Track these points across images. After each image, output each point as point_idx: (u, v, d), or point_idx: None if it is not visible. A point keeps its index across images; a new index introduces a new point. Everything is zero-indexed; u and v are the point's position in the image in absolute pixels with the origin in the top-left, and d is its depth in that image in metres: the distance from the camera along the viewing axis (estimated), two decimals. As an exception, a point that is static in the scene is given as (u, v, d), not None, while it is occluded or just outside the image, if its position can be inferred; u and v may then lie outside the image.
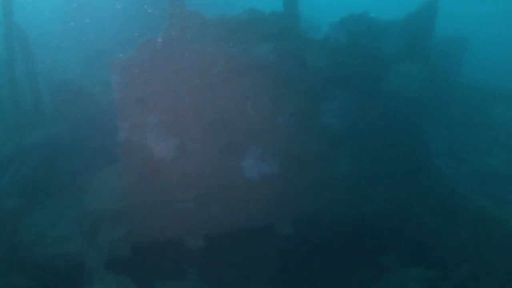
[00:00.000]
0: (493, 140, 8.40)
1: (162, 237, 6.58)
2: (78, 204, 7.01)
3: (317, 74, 6.45)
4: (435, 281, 6.52)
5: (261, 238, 7.05)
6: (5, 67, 7.60)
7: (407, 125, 7.14)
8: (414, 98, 7.03)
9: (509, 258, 5.77)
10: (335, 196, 7.11)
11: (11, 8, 7.46)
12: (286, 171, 6.75)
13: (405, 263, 6.91)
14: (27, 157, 7.46)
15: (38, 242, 6.48)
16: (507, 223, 5.89)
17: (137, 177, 6.25)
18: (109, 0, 10.72)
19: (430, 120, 8.45)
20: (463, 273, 6.35)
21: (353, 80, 6.67)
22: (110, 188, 6.94)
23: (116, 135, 6.07)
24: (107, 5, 10.84)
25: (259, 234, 6.98)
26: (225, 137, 6.36)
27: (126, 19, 10.22)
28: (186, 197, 6.54)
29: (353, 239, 7.15)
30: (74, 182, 7.52)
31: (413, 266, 6.74)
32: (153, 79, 5.79)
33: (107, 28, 10.24)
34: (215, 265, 6.82)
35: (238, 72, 6.07)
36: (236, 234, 6.85)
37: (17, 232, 6.52)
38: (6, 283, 5.94)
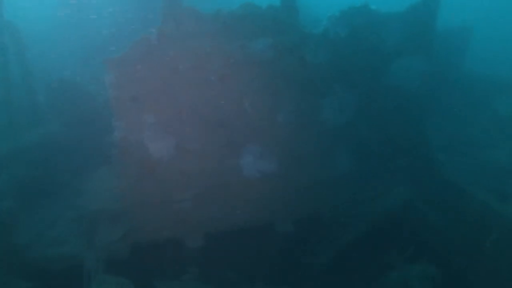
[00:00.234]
0: (496, 132, 8.26)
1: (160, 237, 6.50)
2: (75, 205, 6.92)
3: (316, 70, 6.30)
4: (437, 278, 6.45)
5: (261, 237, 6.97)
6: (-1, 66, 7.47)
7: (408, 120, 7.01)
8: (416, 92, 6.89)
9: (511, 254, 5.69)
10: (336, 194, 7.01)
11: (2, 5, 7.29)
12: (285, 169, 6.63)
13: (407, 259, 6.83)
14: (23, 157, 7.35)
15: (36, 244, 6.41)
16: (509, 219, 5.78)
17: (135, 177, 6.15)
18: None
19: (432, 113, 8.32)
20: (465, 270, 6.27)
21: (353, 74, 6.52)
22: (108, 188, 6.83)
23: (112, 134, 5.95)
24: (104, 2, 10.64)
25: (259, 233, 6.90)
26: (223, 135, 6.23)
27: (124, 15, 10.02)
28: (184, 197, 6.43)
29: (353, 237, 7.07)
30: (71, 182, 7.43)
31: (415, 262, 6.66)
32: (148, 77, 5.64)
33: (104, 25, 10.05)
34: (215, 265, 6.75)
35: (235, 68, 5.92)
36: (235, 233, 6.76)
37: (14, 234, 6.44)
38: (4, 285, 5.88)
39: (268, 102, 6.26)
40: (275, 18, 5.90)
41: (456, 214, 6.53)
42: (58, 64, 9.43)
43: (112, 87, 5.52)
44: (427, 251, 6.83)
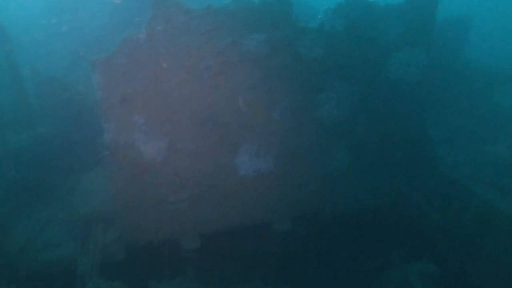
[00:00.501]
0: (498, 126, 8.09)
1: (156, 239, 6.38)
2: (68, 207, 6.78)
3: (312, 65, 6.09)
4: (438, 276, 6.35)
5: (259, 236, 6.86)
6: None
7: (408, 115, 6.82)
8: (415, 86, 6.68)
9: None
10: (334, 191, 6.87)
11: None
12: (282, 167, 6.47)
13: (407, 258, 6.73)
14: (14, 159, 7.18)
15: (27, 248, 6.28)
16: (511, 216, 5.65)
17: (127, 179, 5.99)
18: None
19: (431, 106, 8.14)
20: (466, 267, 6.17)
21: (351, 69, 6.31)
22: (102, 190, 6.69)
23: (102, 136, 5.78)
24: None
25: (257, 232, 6.79)
26: (217, 134, 6.06)
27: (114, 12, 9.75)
28: (179, 198, 6.28)
29: (353, 234, 6.97)
30: (63, 184, 7.27)
31: (415, 261, 6.56)
32: (137, 77, 5.44)
33: (94, 23, 9.79)
34: (213, 267, 6.65)
35: (228, 66, 5.72)
36: (232, 234, 6.65)
37: (5, 238, 6.31)
38: (-5, 292, 5.78)
39: (262, 99, 6.07)
40: (269, 13, 5.67)
41: (457, 211, 6.40)
42: (48, 62, 9.19)
43: (99, 88, 5.32)
44: (427, 248, 6.73)
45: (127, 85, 5.46)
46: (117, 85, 5.43)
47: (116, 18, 9.88)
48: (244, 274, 6.97)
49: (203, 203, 6.41)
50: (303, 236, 6.96)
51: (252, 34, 5.69)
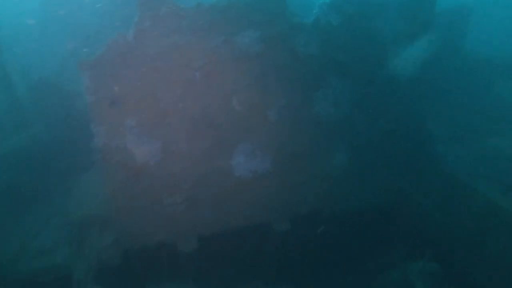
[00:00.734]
0: (500, 119, 7.92)
1: (152, 243, 6.27)
2: (62, 211, 6.66)
3: (308, 62, 5.91)
4: (438, 275, 6.26)
5: (257, 237, 6.75)
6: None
7: (407, 111, 6.64)
8: (415, 82, 6.49)
9: None
10: (333, 190, 6.73)
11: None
12: (279, 167, 6.33)
13: (407, 256, 6.62)
14: (7, 162, 7.04)
15: (21, 256, 6.17)
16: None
17: (121, 183, 5.86)
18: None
19: (431, 100, 7.95)
20: (468, 266, 6.06)
21: (348, 65, 6.12)
22: (96, 193, 6.57)
23: (94, 139, 5.63)
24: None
25: (255, 233, 6.67)
26: (211, 135, 5.90)
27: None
28: (174, 200, 6.16)
29: (354, 234, 6.85)
30: (57, 187, 7.14)
31: (416, 259, 6.46)
32: (127, 78, 5.27)
33: (86, 21, 9.54)
34: (211, 269, 6.55)
35: (221, 65, 5.54)
36: (230, 236, 6.54)
37: (-1, 245, 6.22)
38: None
39: (258, 99, 5.90)
40: (262, 8, 5.47)
41: (458, 209, 6.27)
42: (39, 62, 8.99)
43: (88, 91, 5.16)
44: (428, 247, 6.62)
45: (117, 88, 5.29)
46: (106, 88, 5.26)
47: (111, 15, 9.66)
48: (243, 275, 6.88)
49: (200, 205, 6.28)
50: (303, 236, 6.84)
51: (245, 31, 5.50)
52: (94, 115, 5.33)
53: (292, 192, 6.58)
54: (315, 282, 6.96)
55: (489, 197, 5.90)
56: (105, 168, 5.74)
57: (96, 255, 6.11)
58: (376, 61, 6.21)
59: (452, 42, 8.74)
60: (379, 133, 6.61)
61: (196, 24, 5.28)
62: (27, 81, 7.93)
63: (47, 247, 6.30)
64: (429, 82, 6.75)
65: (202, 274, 6.63)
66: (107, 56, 5.11)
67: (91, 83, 5.17)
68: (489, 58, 8.71)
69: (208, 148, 5.97)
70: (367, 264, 6.83)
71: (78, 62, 5.02)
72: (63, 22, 10.10)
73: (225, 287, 6.82)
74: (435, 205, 6.57)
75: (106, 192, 5.94)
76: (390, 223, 6.89)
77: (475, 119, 8.02)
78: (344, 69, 6.12)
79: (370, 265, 6.81)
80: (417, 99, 6.67)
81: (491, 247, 5.78)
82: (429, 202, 6.65)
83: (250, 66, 5.67)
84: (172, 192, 6.13)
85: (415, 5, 6.01)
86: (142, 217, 6.16)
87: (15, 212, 6.74)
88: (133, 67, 5.26)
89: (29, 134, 7.49)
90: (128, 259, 6.19)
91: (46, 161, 7.37)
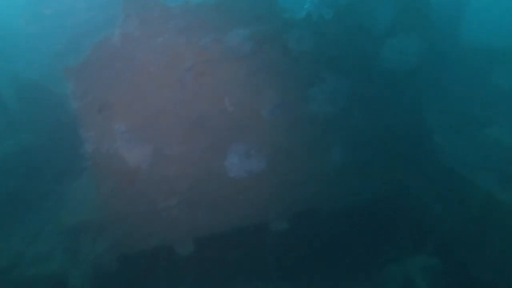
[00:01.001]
0: (497, 108, 7.79)
1: (148, 247, 6.18)
2: (57, 217, 6.54)
3: (301, 58, 5.74)
4: (439, 270, 6.20)
5: (255, 238, 6.67)
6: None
7: (404, 105, 6.51)
8: (411, 74, 6.35)
9: None
10: (332, 187, 6.63)
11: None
12: (275, 166, 6.21)
13: (408, 251, 6.57)
14: (-2, 170, 6.91)
15: (16, 263, 6.07)
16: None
17: (114, 188, 5.73)
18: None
19: (429, 91, 7.80)
20: (468, 261, 6.01)
21: (342, 60, 5.96)
22: (88, 199, 6.45)
23: (84, 145, 5.48)
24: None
25: (253, 234, 6.59)
26: (204, 137, 5.76)
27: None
28: (169, 204, 6.05)
29: (353, 230, 6.79)
30: (49, 194, 7.01)
31: (416, 254, 6.40)
32: (114, 82, 5.10)
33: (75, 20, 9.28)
34: (209, 272, 6.48)
35: (211, 65, 5.37)
36: (228, 237, 6.45)
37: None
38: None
39: (250, 98, 5.75)
40: (251, 5, 5.29)
41: (458, 202, 6.19)
42: (27, 64, 8.75)
43: (75, 97, 4.99)
44: (428, 241, 6.56)
45: (105, 92, 5.13)
46: (93, 93, 5.09)
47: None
48: (242, 276, 6.82)
49: (195, 207, 6.18)
50: (301, 235, 6.77)
51: (235, 29, 5.32)
52: (83, 121, 5.17)
53: (289, 191, 6.48)
54: (314, 280, 6.91)
55: (489, 189, 5.83)
56: (97, 174, 5.61)
57: (91, 261, 6.01)
58: (371, 55, 6.05)
59: (448, 32, 8.56)
60: (376, 128, 6.49)
61: (184, 23, 5.10)
62: (14, 83, 7.72)
63: (42, 255, 6.21)
64: (426, 74, 6.60)
65: (200, 277, 6.56)
66: (92, 59, 4.93)
67: (78, 88, 5.00)
68: (486, 47, 8.54)
69: (202, 150, 5.84)
70: (366, 260, 6.76)
71: (63, 67, 4.83)
72: (51, 21, 9.83)
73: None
74: (435, 199, 6.49)
75: (99, 198, 5.83)
76: (389, 218, 6.82)
77: (473, 109, 7.89)
78: (338, 64, 5.96)
79: (370, 261, 6.75)
80: (414, 92, 6.53)
81: (491, 240, 5.73)
82: (429, 196, 6.57)
83: (242, 65, 5.50)
84: (166, 195, 6.02)
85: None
86: (137, 222, 6.06)
87: (7, 220, 6.62)
88: (121, 70, 5.09)
89: (21, 140, 7.31)
90: (124, 265, 6.10)
91: (36, 167, 7.21)
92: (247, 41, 5.39)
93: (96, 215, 6.26)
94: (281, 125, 6.01)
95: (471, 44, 8.69)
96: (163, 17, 5.04)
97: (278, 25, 5.48)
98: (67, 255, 6.16)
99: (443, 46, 8.24)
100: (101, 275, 5.95)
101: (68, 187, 6.85)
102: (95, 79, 5.00)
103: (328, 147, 6.42)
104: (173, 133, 5.62)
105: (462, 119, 7.75)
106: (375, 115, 6.43)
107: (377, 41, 6.04)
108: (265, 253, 6.86)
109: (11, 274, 5.93)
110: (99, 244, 6.22)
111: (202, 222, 6.29)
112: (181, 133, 5.65)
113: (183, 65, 5.29)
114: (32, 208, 6.96)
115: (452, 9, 8.79)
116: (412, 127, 6.69)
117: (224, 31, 5.28)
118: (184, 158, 5.81)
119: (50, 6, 9.31)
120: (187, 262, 6.35)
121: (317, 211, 6.75)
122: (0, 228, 6.52)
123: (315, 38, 5.71)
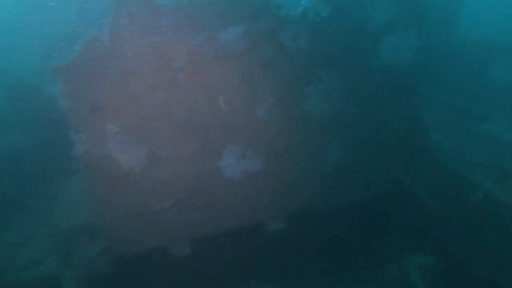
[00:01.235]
0: (494, 104, 7.73)
1: (143, 250, 6.07)
2: (48, 220, 6.42)
3: (297, 56, 5.61)
4: (437, 268, 6.17)
5: (252, 238, 6.59)
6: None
7: (401, 101, 6.41)
8: (409, 71, 6.25)
9: None
10: (329, 186, 6.54)
11: None
12: (271, 166, 6.11)
13: (406, 250, 6.52)
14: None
15: (8, 267, 5.96)
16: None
17: (107, 190, 5.61)
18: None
19: (426, 87, 7.72)
20: (467, 260, 5.97)
21: (339, 58, 5.85)
22: (81, 201, 6.34)
23: (75, 147, 5.35)
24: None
25: (249, 234, 6.51)
26: (199, 137, 5.64)
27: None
28: (163, 206, 5.94)
29: (350, 229, 6.72)
30: (40, 196, 6.87)
31: (414, 253, 6.36)
32: (105, 82, 4.96)
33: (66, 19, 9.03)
34: (205, 273, 6.41)
35: (205, 64, 5.23)
36: (224, 237, 6.37)
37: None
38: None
39: (246, 97, 5.63)
40: (246, 2, 5.14)
41: (455, 200, 6.13)
42: (17, 61, 8.55)
43: (65, 98, 4.85)
44: (426, 239, 6.51)
45: (95, 92, 4.99)
46: (84, 93, 4.95)
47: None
48: (238, 276, 6.75)
49: (190, 209, 6.08)
50: (298, 235, 6.69)
51: (228, 27, 5.18)
52: (74, 122, 5.03)
53: (285, 190, 6.38)
54: (312, 280, 6.86)
55: (486, 186, 5.77)
56: (90, 176, 5.48)
57: (85, 265, 5.91)
58: (368, 52, 5.94)
59: (445, 28, 8.46)
60: (373, 126, 6.40)
61: (176, 21, 4.95)
62: (3, 82, 7.54)
63: (35, 258, 6.11)
64: (423, 70, 6.51)
65: (196, 278, 6.48)
66: (82, 59, 4.78)
67: (68, 88, 4.85)
68: (483, 42, 8.46)
69: (196, 151, 5.72)
70: (364, 259, 6.72)
71: (51, 67, 4.67)
72: (42, 18, 9.61)
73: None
74: (432, 196, 6.43)
75: (92, 200, 5.71)
76: (387, 216, 6.76)
77: (470, 104, 7.83)
78: (335, 62, 5.84)
79: (368, 261, 6.71)
80: (412, 89, 6.44)
81: (489, 238, 5.68)
82: (426, 194, 6.50)
83: (236, 63, 5.37)
84: (161, 197, 5.91)
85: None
86: (131, 224, 5.94)
87: (0, 222, 6.48)
88: (111, 70, 4.94)
89: (8, 140, 7.14)
90: (118, 268, 6.00)
91: (27, 168, 7.05)
92: (241, 39, 5.26)
93: (89, 217, 6.15)
94: (277, 124, 5.90)
95: (468, 40, 8.61)
96: (154, 15, 4.89)
97: (273, 22, 5.34)
98: (60, 258, 6.05)
99: (440, 42, 8.15)
100: (95, 278, 5.85)
101: (60, 189, 6.72)
102: (86, 79, 4.85)
103: (325, 146, 6.32)
104: (167, 133, 5.50)
105: (459, 114, 7.68)
106: (372, 113, 6.34)
107: (374, 38, 5.92)
108: (262, 253, 6.79)
109: (3, 277, 5.82)
110: (92, 247, 6.13)
111: (198, 224, 6.19)
112: (175, 134, 5.53)
113: (176, 64, 5.15)
114: (23, 210, 6.83)
115: (449, 5, 8.69)
116: (410, 125, 6.61)
117: (217, 29, 5.14)
118: (179, 159, 5.69)
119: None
120: (183, 263, 6.26)
121: (314, 210, 6.67)
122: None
123: (312, 35, 5.58)
